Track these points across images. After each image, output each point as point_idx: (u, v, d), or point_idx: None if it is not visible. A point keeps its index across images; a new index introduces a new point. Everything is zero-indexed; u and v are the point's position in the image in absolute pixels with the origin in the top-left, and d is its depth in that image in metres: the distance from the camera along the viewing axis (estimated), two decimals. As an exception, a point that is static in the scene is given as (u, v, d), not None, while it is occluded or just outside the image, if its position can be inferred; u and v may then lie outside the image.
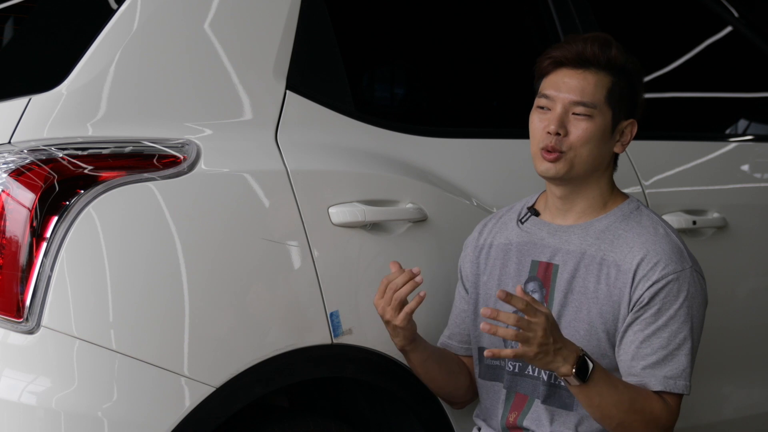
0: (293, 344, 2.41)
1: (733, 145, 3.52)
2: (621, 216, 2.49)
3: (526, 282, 2.51)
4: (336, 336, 2.47)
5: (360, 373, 2.52)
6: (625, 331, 2.42)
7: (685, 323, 2.41)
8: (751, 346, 3.35)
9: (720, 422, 3.28)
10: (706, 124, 3.61)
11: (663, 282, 2.40)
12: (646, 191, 3.05)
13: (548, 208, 2.55)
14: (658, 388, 2.40)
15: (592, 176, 2.48)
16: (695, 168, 3.28)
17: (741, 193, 3.37)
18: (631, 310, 2.41)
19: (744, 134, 3.65)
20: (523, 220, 2.56)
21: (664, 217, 3.04)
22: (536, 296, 2.49)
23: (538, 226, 2.54)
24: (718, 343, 3.23)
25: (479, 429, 2.58)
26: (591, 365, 2.29)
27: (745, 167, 3.47)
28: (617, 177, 2.56)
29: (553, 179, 2.47)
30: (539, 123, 2.46)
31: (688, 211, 3.11)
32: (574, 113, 2.44)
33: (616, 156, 2.54)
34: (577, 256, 2.47)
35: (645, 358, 2.40)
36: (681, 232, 3.07)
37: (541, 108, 2.47)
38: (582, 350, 2.30)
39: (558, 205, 2.53)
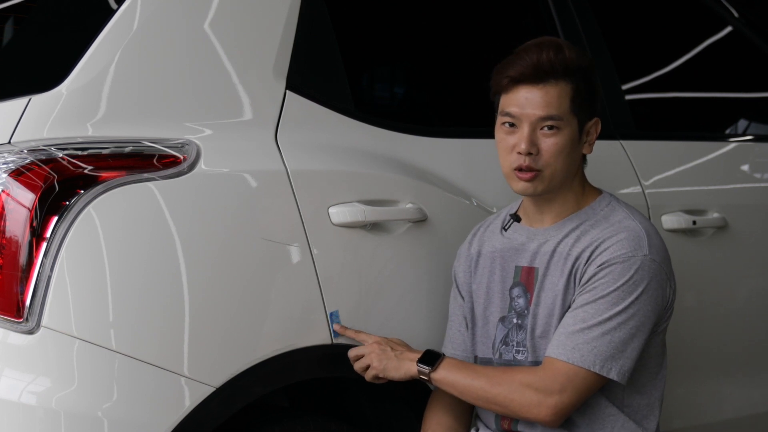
0: (293, 344, 2.41)
1: (733, 145, 3.52)
2: (592, 213, 2.48)
3: (511, 288, 2.51)
4: (336, 336, 2.47)
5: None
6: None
7: (614, 306, 2.35)
8: (751, 346, 3.35)
9: (720, 422, 3.27)
10: (706, 124, 3.60)
11: (607, 264, 2.38)
12: (646, 191, 3.04)
13: (527, 213, 2.56)
14: (550, 353, 2.36)
15: (566, 182, 2.48)
16: (695, 168, 3.28)
17: (741, 193, 3.36)
18: (578, 293, 2.40)
19: (744, 134, 3.65)
20: (506, 227, 2.57)
21: (664, 217, 3.05)
22: (521, 301, 2.49)
23: (519, 231, 2.55)
24: (718, 343, 3.23)
25: (477, 430, 2.58)
26: (440, 356, 2.44)
27: (745, 167, 3.46)
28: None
29: (532, 196, 2.47)
30: (507, 142, 2.44)
31: (688, 211, 3.11)
32: (542, 128, 2.41)
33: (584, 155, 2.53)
34: (549, 255, 2.47)
35: (563, 327, 2.37)
36: (681, 232, 3.07)
37: (506, 125, 2.45)
38: (428, 350, 2.45)
39: (534, 210, 2.53)
